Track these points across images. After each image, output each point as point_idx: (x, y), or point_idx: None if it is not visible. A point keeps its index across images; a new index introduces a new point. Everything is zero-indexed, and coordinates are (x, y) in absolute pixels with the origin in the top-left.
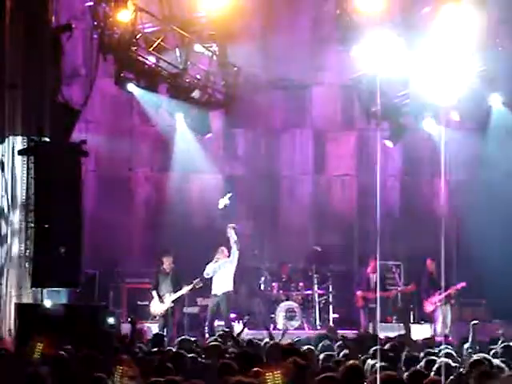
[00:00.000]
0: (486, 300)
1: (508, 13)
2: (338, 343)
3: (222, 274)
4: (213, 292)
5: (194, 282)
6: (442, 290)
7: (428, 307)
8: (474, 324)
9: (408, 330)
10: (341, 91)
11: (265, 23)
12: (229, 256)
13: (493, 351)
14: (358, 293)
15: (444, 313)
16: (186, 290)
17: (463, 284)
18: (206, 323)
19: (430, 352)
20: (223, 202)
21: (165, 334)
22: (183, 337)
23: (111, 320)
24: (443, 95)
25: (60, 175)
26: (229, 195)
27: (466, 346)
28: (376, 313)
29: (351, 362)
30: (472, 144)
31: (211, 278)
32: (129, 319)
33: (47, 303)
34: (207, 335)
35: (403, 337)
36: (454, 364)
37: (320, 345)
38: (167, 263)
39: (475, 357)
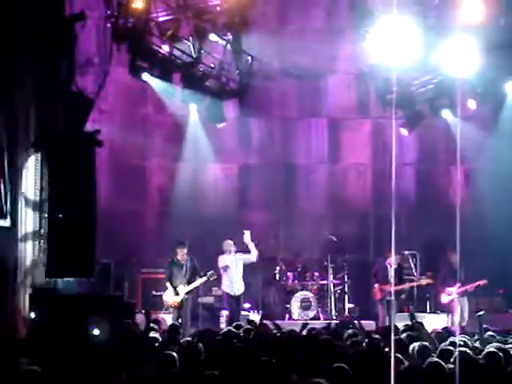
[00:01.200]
0: (503, 290)
1: None
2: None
3: (239, 270)
4: (224, 289)
5: (209, 273)
6: (461, 283)
7: (444, 298)
8: (480, 315)
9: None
10: (355, 79)
11: (279, 12)
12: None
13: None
14: (376, 286)
15: (461, 304)
16: (200, 281)
17: (485, 281)
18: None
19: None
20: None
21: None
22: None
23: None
24: (459, 83)
25: (74, 165)
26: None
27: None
28: (393, 304)
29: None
30: (488, 132)
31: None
32: (142, 311)
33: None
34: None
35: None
36: (470, 354)
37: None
38: (181, 254)
39: (490, 348)
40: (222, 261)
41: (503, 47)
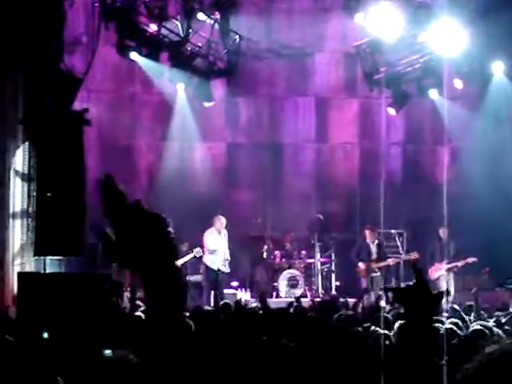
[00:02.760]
0: (489, 268)
1: None
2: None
3: (225, 247)
4: (210, 265)
5: (195, 250)
6: (450, 259)
7: (433, 274)
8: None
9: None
10: (343, 59)
11: None
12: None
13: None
14: (360, 264)
15: (447, 280)
16: (186, 258)
17: (474, 259)
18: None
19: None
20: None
21: None
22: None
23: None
24: (446, 62)
25: (62, 144)
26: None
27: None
28: (378, 281)
29: None
30: (474, 111)
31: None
32: (129, 288)
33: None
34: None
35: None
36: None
37: None
38: None
39: (476, 325)
40: (215, 237)
41: (489, 19)
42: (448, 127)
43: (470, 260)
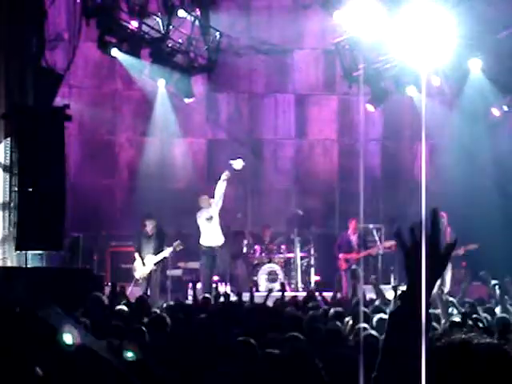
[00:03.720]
0: (465, 262)
1: None
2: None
3: (214, 224)
4: (206, 244)
5: (175, 244)
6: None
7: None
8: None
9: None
10: (323, 56)
11: None
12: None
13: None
14: (341, 255)
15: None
16: (167, 252)
17: (475, 246)
18: (200, 282)
19: None
20: (238, 164)
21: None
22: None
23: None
24: (424, 60)
25: (43, 139)
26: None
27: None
28: (358, 273)
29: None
30: (451, 108)
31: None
32: (109, 283)
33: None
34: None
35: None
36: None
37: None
38: (150, 226)
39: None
40: (204, 214)
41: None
42: (426, 124)
43: (471, 246)
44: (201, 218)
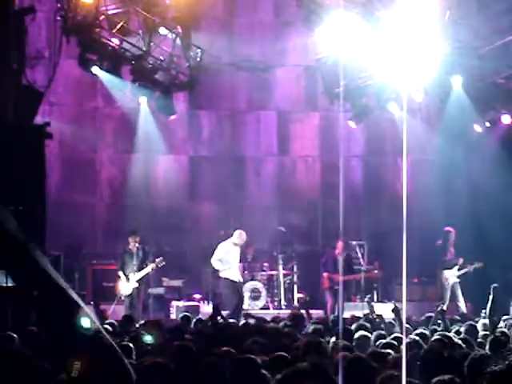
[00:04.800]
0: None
1: None
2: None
3: (237, 261)
4: (235, 278)
5: (157, 260)
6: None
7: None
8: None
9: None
10: (304, 72)
11: (228, 5)
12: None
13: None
14: (325, 274)
15: (455, 288)
16: (149, 269)
17: (481, 264)
18: (234, 310)
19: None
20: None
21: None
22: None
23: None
24: (405, 76)
25: (23, 157)
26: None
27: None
28: (340, 294)
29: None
30: (433, 124)
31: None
32: (91, 302)
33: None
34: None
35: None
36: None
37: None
38: (133, 243)
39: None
40: (231, 250)
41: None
42: (407, 140)
43: (478, 265)
44: (235, 253)
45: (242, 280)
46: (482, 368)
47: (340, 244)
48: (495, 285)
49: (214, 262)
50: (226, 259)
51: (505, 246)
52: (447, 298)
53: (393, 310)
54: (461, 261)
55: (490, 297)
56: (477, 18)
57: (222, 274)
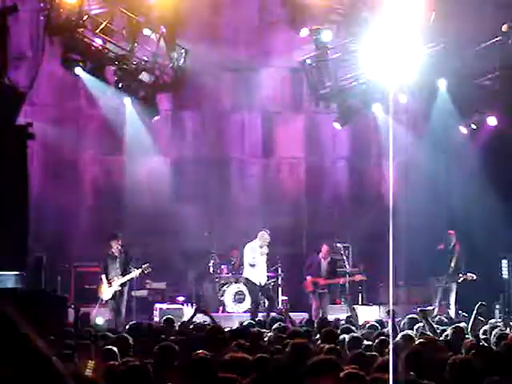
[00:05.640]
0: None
1: None
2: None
3: (263, 262)
4: (255, 280)
5: (143, 266)
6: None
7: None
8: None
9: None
10: (289, 73)
11: (212, 5)
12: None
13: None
14: (308, 278)
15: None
16: (134, 274)
17: (474, 276)
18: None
19: (381, 333)
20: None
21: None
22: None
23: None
24: (391, 78)
25: (5, 158)
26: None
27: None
28: (325, 297)
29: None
30: (418, 126)
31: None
32: (72, 306)
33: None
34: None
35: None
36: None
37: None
38: (115, 247)
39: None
40: (256, 251)
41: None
42: (393, 142)
43: (469, 277)
44: (260, 255)
45: (262, 284)
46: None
47: (324, 248)
48: (483, 303)
49: (247, 270)
50: (254, 262)
51: (489, 247)
52: (437, 301)
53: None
54: (470, 277)
55: (474, 312)
56: (462, 20)
57: (244, 274)
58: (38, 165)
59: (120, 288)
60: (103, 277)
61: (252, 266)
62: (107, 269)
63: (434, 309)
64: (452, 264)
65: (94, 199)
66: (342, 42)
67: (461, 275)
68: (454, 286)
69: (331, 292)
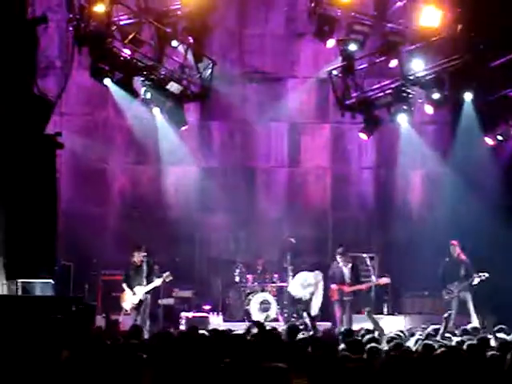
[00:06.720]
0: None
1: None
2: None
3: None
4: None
5: (165, 275)
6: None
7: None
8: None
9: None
10: (315, 84)
11: (239, 16)
12: None
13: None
14: (333, 286)
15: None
16: (156, 283)
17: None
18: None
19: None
20: None
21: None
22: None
23: None
24: (416, 89)
25: (34, 167)
26: None
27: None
28: (350, 305)
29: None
30: (445, 137)
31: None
32: (103, 314)
33: None
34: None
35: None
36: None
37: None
38: (137, 256)
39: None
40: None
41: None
42: (419, 152)
43: (482, 276)
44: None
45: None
46: None
47: (337, 257)
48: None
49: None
50: None
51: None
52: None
53: (445, 318)
54: (483, 276)
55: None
56: (487, 32)
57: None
58: (66, 174)
59: (144, 297)
60: (124, 286)
61: None
62: (129, 278)
63: (450, 315)
64: (462, 273)
65: (121, 208)
66: (368, 53)
67: (474, 278)
68: (468, 296)
69: (356, 301)
